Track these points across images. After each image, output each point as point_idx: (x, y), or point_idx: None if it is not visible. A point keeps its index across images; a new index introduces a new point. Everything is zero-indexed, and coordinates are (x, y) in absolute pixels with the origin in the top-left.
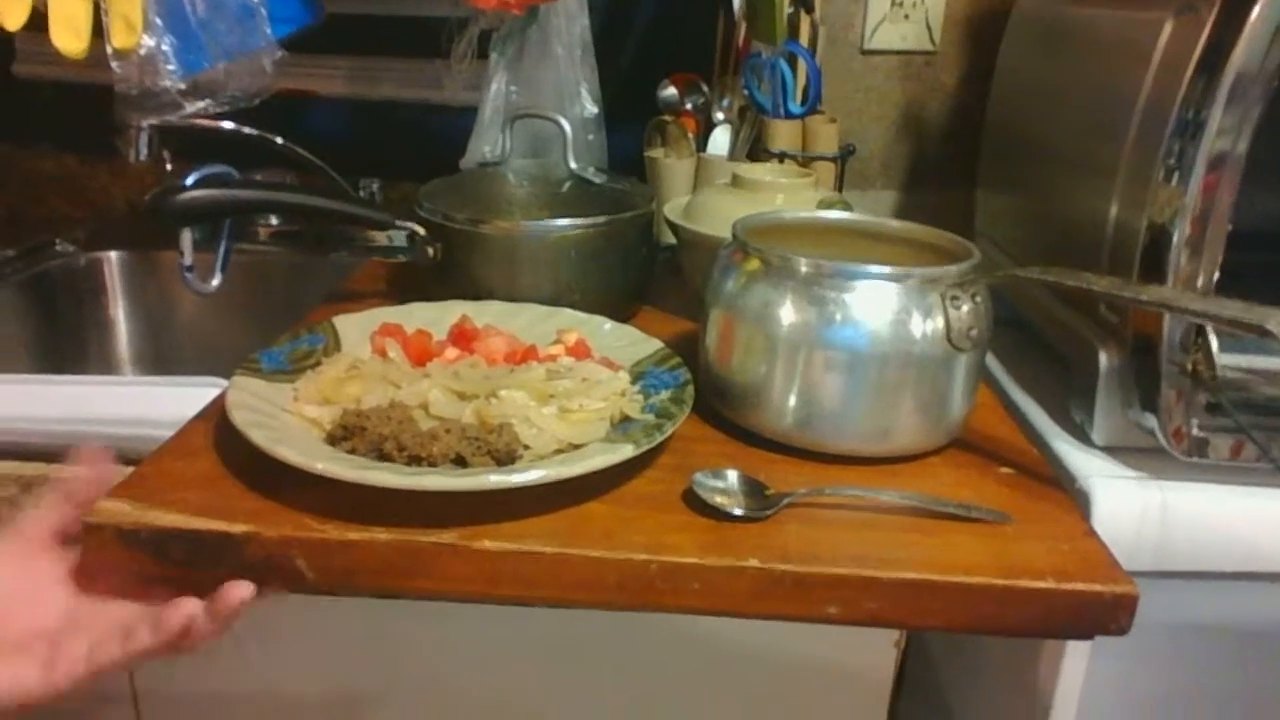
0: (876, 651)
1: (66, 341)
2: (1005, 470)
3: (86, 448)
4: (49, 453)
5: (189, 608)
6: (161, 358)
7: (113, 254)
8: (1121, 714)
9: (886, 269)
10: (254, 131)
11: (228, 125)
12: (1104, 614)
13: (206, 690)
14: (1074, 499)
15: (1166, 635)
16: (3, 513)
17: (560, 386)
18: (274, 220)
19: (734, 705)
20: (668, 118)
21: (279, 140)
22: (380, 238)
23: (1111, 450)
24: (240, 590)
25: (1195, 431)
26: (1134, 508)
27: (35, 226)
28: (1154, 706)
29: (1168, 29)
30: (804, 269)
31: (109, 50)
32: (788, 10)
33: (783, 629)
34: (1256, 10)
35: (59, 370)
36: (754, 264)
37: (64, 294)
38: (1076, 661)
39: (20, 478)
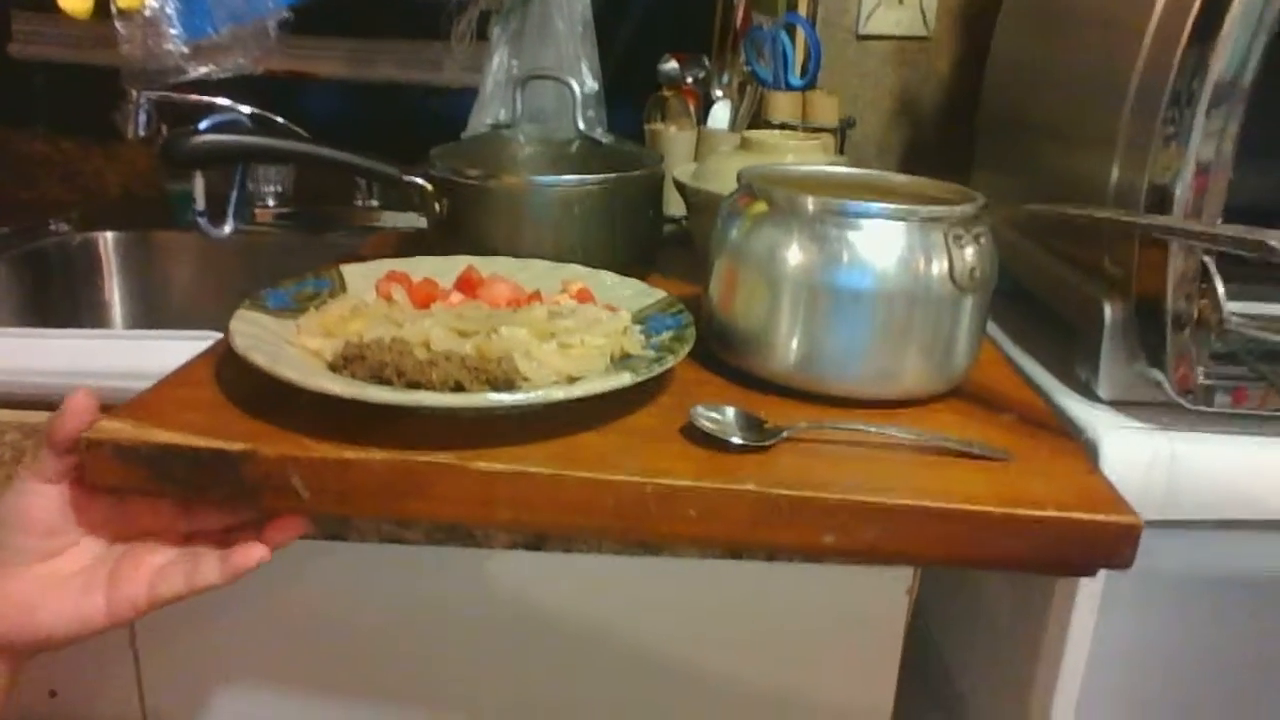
0: (888, 598)
1: (59, 320)
2: (1009, 417)
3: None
4: (51, 404)
5: (259, 553)
6: None
7: (108, 234)
8: (1131, 669)
9: (892, 207)
10: (251, 109)
11: (224, 102)
12: (1107, 546)
13: (206, 643)
14: (1079, 443)
15: (1176, 587)
16: (5, 457)
17: (561, 325)
18: (271, 202)
19: (749, 654)
20: (668, 92)
21: (278, 120)
22: (378, 219)
23: (1117, 405)
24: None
25: (1202, 379)
26: (1142, 456)
27: (28, 210)
28: (1164, 661)
29: None
30: (811, 208)
31: (113, 10)
32: None
33: (795, 578)
34: None
35: None
36: (760, 207)
37: (58, 272)
38: (1085, 616)
39: (22, 425)
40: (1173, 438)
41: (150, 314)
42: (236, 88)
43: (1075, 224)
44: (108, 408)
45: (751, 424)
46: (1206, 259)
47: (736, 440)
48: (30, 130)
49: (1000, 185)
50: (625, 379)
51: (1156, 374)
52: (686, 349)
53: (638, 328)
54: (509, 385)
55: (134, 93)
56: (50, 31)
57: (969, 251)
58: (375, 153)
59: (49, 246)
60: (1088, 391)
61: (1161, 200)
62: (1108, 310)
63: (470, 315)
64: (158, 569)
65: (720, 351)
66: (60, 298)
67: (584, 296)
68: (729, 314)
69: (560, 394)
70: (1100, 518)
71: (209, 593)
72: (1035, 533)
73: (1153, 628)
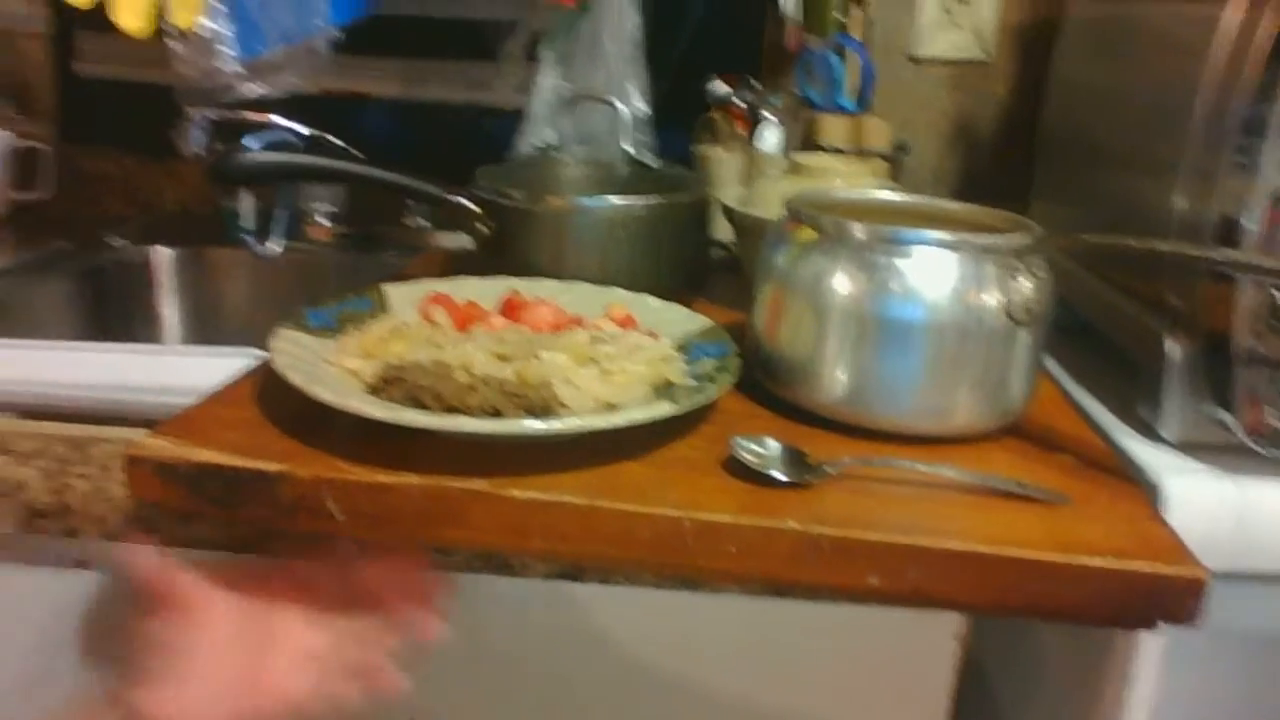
0: (936, 644)
1: (115, 334)
2: (1065, 457)
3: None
4: (97, 417)
5: (398, 681)
6: None
7: (164, 250)
8: None
9: (945, 236)
10: (305, 129)
11: (281, 121)
12: (1170, 599)
13: None
14: (1141, 488)
15: (1243, 643)
16: (50, 469)
17: (602, 351)
18: (324, 221)
19: (790, 695)
20: (717, 114)
21: (333, 139)
22: (430, 239)
23: (1182, 447)
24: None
25: (1273, 421)
26: (1208, 502)
27: (89, 225)
28: None
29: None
30: (860, 236)
31: (168, 29)
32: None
33: (841, 621)
34: None
35: None
36: (808, 234)
37: (115, 288)
38: (1146, 671)
39: (68, 438)
40: (1241, 483)
41: (204, 330)
42: (294, 107)
43: (1137, 256)
44: (152, 423)
45: (795, 458)
46: (1277, 294)
47: (779, 476)
48: (94, 147)
49: (1059, 214)
50: (665, 409)
51: (1223, 415)
52: (730, 379)
53: (680, 355)
54: (547, 412)
55: (191, 111)
56: (115, 50)
57: (1025, 283)
58: (430, 173)
59: (107, 262)
60: (1150, 432)
61: (1230, 232)
62: (1171, 346)
63: (511, 339)
64: (302, 696)
65: (765, 381)
66: (116, 312)
67: (627, 322)
68: (775, 343)
69: (598, 423)
70: (1162, 569)
71: None
72: (1091, 582)
73: (1217, 686)
